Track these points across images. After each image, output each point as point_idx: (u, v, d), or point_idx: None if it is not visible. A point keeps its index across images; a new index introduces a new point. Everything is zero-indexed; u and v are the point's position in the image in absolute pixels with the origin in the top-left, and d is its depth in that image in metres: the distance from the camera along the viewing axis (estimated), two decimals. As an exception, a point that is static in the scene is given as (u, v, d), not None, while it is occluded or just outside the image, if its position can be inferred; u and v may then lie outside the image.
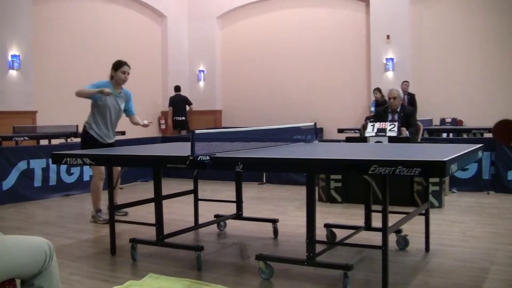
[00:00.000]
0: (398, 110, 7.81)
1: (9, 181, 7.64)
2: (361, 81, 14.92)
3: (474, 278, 3.96)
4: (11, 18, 11.59)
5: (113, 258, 4.76)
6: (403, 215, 4.43)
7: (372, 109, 11.83)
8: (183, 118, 15.05)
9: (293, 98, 15.63)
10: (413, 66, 14.29)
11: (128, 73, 6.28)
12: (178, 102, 15.07)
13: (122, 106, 6.38)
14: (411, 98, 13.27)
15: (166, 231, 4.69)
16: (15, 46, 11.70)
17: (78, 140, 10.71)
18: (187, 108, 15.24)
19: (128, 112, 6.53)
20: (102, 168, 6.19)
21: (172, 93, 15.48)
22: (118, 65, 6.21)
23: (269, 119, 14.09)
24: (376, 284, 3.76)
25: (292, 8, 15.99)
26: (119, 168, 5.82)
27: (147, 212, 5.84)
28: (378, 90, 13.37)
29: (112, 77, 6.26)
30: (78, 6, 13.72)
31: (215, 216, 5.79)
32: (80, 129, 10.39)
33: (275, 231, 5.40)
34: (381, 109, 8.33)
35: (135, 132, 12.28)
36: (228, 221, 5.78)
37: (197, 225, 5.58)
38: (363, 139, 7.01)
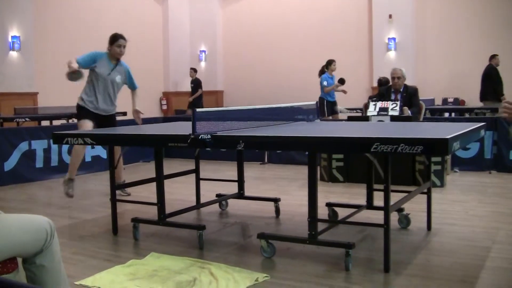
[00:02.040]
0: (401, 89, 7.77)
1: (11, 162, 7.65)
2: (363, 61, 14.85)
3: (476, 257, 3.96)
4: (12, -1, 11.53)
5: (115, 238, 4.77)
6: (405, 194, 4.43)
7: (325, 83, 11.19)
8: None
9: (295, 78, 15.56)
10: (416, 46, 14.20)
11: (124, 46, 6.25)
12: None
13: (119, 79, 6.36)
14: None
15: (168, 210, 4.70)
16: (16, 27, 11.64)
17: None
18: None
19: (129, 86, 6.62)
20: (89, 128, 6.15)
21: (174, 73, 15.46)
22: (113, 39, 6.21)
23: (271, 100, 14.03)
24: (378, 262, 3.76)
25: (294, -13, 15.87)
26: (119, 148, 5.81)
27: (149, 192, 5.84)
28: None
29: (108, 51, 6.29)
30: (78, -14, 13.64)
31: (217, 195, 5.79)
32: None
33: (277, 210, 5.41)
34: (384, 88, 8.30)
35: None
36: (230, 201, 5.79)
37: (198, 205, 5.58)
38: (365, 118, 6.99)
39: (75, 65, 5.79)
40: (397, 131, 4.29)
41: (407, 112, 7.40)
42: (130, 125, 6.29)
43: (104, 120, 6.35)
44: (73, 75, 5.82)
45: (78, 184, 7.81)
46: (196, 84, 15.43)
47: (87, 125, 6.21)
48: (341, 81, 11.28)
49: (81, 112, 6.32)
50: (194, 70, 15.61)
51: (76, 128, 6.51)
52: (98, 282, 3.58)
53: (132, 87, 6.62)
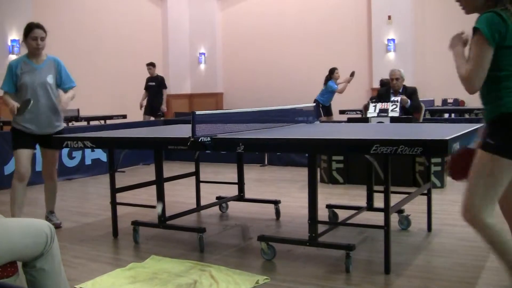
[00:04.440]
0: (401, 90, 7.77)
1: (11, 166, 7.63)
2: (363, 62, 14.83)
3: (477, 258, 3.96)
4: (11, 3, 11.51)
5: (115, 241, 4.77)
6: (405, 195, 4.43)
7: (336, 86, 11.52)
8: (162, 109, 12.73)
9: (295, 80, 15.56)
10: (415, 47, 14.19)
11: (42, 38, 4.90)
12: (157, 87, 12.61)
13: (50, 79, 4.96)
14: None
15: (168, 213, 4.69)
16: (15, 31, 11.63)
17: (79, 124, 10.74)
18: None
19: (60, 86, 5.10)
20: (25, 164, 5.06)
21: (173, 76, 15.42)
22: (27, 30, 4.89)
23: (271, 101, 14.00)
24: (378, 264, 3.76)
25: (293, -11, 15.87)
26: (55, 154, 5.42)
27: (149, 195, 5.84)
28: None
29: (24, 46, 5.03)
30: (77, -11, 13.65)
31: (217, 198, 5.79)
32: (82, 113, 10.45)
33: (277, 212, 5.41)
34: (383, 89, 8.30)
35: (136, 115, 12.31)
36: (230, 203, 5.79)
37: (199, 207, 5.58)
38: (365, 119, 6.99)
39: (12, 104, 4.74)
40: (397, 132, 4.29)
41: (406, 101, 7.41)
42: (129, 128, 6.28)
43: (48, 138, 5.04)
44: (22, 109, 4.74)
45: (78, 187, 7.82)
46: (159, 83, 12.60)
47: (23, 156, 5.04)
48: (352, 74, 11.64)
49: (22, 138, 5.02)
50: (152, 65, 12.60)
51: (76, 132, 6.46)
52: (98, 286, 3.58)
53: (63, 85, 5.09)
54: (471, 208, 2.91)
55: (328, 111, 11.58)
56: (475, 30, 2.78)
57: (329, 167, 7.36)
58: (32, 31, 4.85)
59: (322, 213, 4.49)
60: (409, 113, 7.50)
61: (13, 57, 11.54)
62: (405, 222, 4.80)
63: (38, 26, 4.89)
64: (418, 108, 7.78)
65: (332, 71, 11.61)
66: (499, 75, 2.80)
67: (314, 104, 5.64)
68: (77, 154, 8.56)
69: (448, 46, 3.06)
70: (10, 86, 4.90)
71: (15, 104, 4.71)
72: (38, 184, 7.82)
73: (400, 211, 4.74)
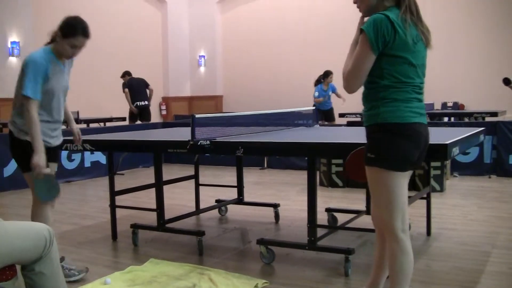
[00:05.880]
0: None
1: (10, 168, 7.63)
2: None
3: (476, 262, 3.96)
4: (11, 5, 11.52)
5: (114, 244, 4.76)
6: (405, 199, 4.42)
7: (316, 94, 11.32)
8: (146, 102, 12.18)
9: (294, 83, 15.56)
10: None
11: (81, 48, 3.87)
12: (137, 85, 12.13)
13: (67, 81, 3.97)
14: None
15: (167, 216, 4.69)
16: (15, 33, 11.65)
17: (79, 126, 10.69)
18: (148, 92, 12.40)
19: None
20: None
21: (173, 78, 15.42)
22: (69, 33, 3.76)
23: (271, 105, 14.03)
24: (378, 268, 3.75)
25: (293, -8, 15.89)
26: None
27: (148, 198, 5.84)
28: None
29: (53, 40, 3.82)
30: (77, -9, 13.65)
31: (216, 201, 5.79)
32: (81, 115, 10.43)
33: (276, 216, 5.40)
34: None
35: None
36: (229, 206, 5.78)
37: (198, 210, 5.58)
38: (364, 123, 6.98)
39: (44, 167, 3.54)
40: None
41: None
42: (129, 131, 6.28)
43: (53, 151, 3.93)
44: (47, 187, 3.64)
45: (78, 190, 7.81)
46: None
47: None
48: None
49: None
50: (127, 73, 12.26)
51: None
52: (97, 289, 3.58)
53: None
54: (382, 222, 2.84)
55: (328, 117, 11.45)
56: (362, 30, 2.64)
57: (328, 171, 7.36)
58: (75, 37, 3.77)
59: (322, 217, 4.49)
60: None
61: (13, 59, 11.54)
62: (405, 226, 4.78)
63: (86, 34, 3.85)
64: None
65: (327, 74, 11.38)
66: (380, 83, 2.65)
67: (314, 107, 5.63)
68: (77, 157, 8.56)
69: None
70: (37, 91, 3.64)
71: (44, 164, 3.54)
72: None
73: (399, 215, 4.73)
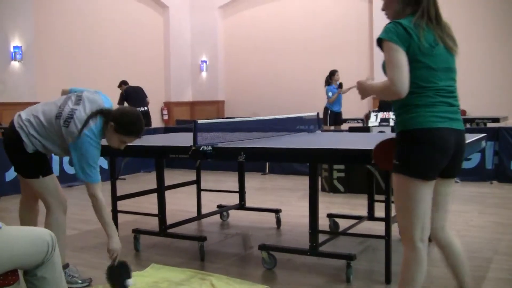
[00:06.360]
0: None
1: (12, 172, 7.64)
2: (364, 71, 14.84)
3: (478, 268, 3.95)
4: (13, 9, 11.56)
5: (116, 249, 4.75)
6: (406, 205, 4.41)
7: (330, 94, 11.35)
8: (146, 108, 12.06)
9: (296, 89, 15.57)
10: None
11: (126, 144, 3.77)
12: (134, 93, 12.10)
13: None
14: None
15: (169, 221, 4.69)
16: (17, 37, 11.67)
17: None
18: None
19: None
20: (61, 191, 4.20)
21: (175, 83, 15.43)
22: (125, 131, 3.63)
23: (272, 110, 14.02)
24: (379, 274, 3.76)
25: (295, -3, 15.93)
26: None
27: (150, 203, 5.83)
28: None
29: (106, 123, 3.61)
30: (80, -4, 13.69)
31: (218, 206, 5.79)
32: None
33: (278, 221, 5.40)
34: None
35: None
36: (231, 212, 5.79)
37: (200, 216, 5.58)
38: (366, 129, 6.99)
39: (119, 250, 3.60)
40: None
41: None
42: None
43: None
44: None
45: (79, 195, 7.80)
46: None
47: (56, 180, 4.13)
48: (340, 86, 11.46)
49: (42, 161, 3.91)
50: (124, 82, 12.39)
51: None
52: (99, 294, 3.58)
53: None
54: (401, 229, 2.83)
55: (337, 119, 11.50)
56: (379, 41, 2.63)
57: (330, 176, 7.36)
58: (129, 137, 3.68)
59: (323, 222, 4.49)
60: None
61: (15, 63, 11.56)
62: (406, 232, 4.78)
63: (140, 135, 3.75)
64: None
65: (333, 73, 11.48)
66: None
67: (317, 113, 5.63)
68: (78, 161, 8.55)
69: (361, 98, 2.92)
70: (98, 174, 3.77)
71: (120, 248, 3.61)
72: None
73: (401, 221, 4.73)
